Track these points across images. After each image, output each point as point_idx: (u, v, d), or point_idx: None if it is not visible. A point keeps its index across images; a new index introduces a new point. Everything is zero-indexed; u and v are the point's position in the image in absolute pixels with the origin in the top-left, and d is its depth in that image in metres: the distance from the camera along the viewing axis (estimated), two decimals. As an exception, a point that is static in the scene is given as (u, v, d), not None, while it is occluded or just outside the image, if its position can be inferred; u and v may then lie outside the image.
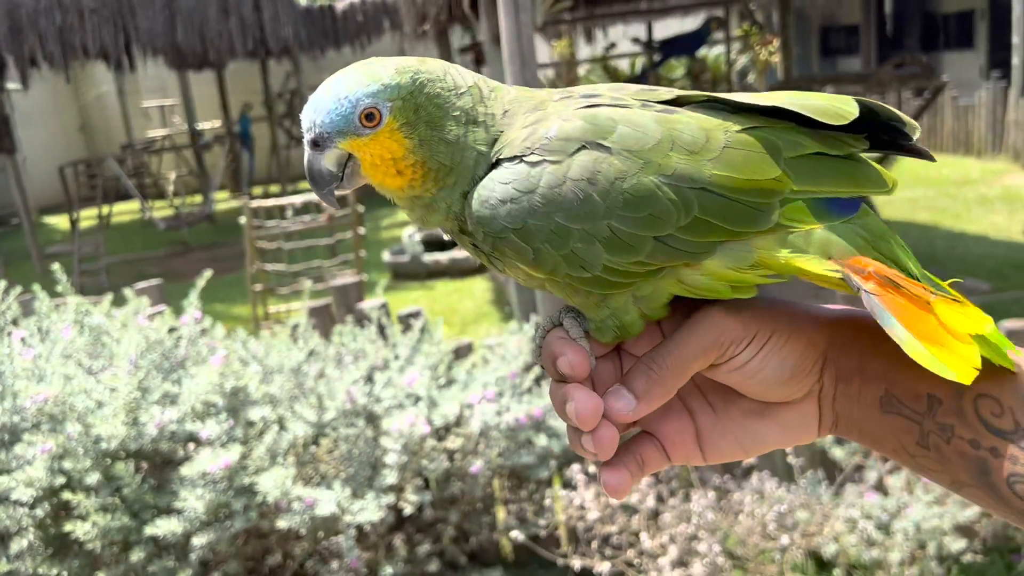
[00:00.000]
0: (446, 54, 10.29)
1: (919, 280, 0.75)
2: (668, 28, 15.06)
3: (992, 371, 0.70)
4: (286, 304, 8.19)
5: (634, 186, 0.74)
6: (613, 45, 14.76)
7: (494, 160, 0.78)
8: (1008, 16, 14.75)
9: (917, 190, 12.54)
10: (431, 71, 0.79)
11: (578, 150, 0.75)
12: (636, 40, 13.13)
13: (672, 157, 0.74)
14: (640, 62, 14.73)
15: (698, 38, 11.79)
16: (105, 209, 14.05)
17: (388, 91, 0.77)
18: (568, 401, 0.76)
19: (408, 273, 10.50)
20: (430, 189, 0.80)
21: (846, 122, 0.76)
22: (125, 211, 17.38)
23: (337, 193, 0.82)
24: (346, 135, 0.78)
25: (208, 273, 3.60)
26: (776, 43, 12.83)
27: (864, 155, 0.81)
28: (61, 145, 19.53)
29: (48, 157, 17.79)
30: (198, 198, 16.76)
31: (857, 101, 0.78)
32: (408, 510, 3.29)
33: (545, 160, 0.75)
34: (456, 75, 0.81)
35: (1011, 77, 14.45)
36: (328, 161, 0.80)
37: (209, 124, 18.92)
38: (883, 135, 0.81)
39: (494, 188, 0.77)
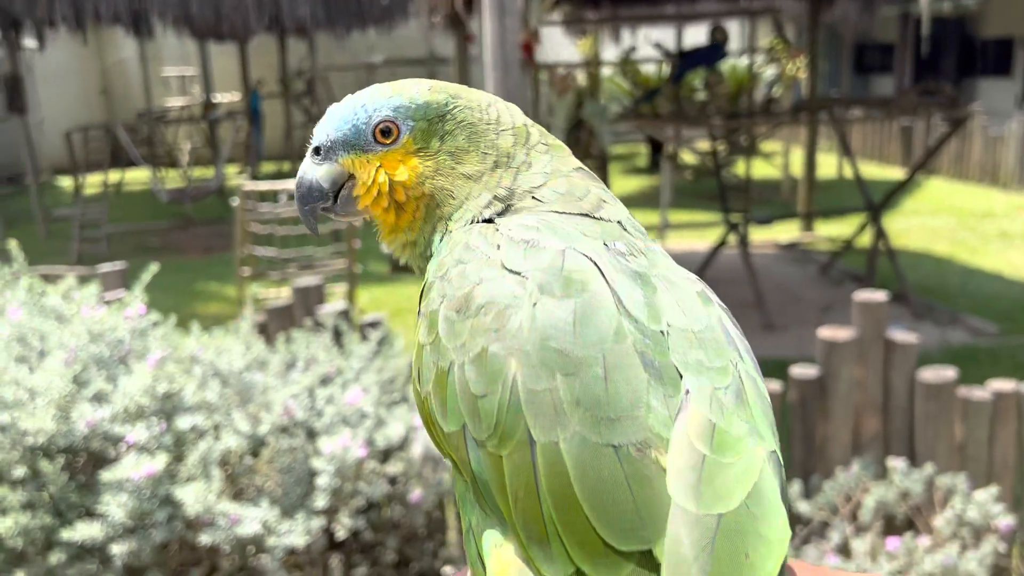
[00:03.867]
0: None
1: None
2: (699, 34, 14.84)
3: None
4: (276, 289, 8.05)
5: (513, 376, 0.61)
6: (633, 49, 14.51)
7: (500, 212, 0.66)
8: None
9: (938, 219, 12.25)
10: (472, 99, 0.67)
11: (524, 281, 0.60)
12: (657, 46, 12.93)
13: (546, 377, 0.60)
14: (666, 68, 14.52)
15: (716, 50, 11.59)
16: (115, 176, 13.96)
17: (414, 109, 0.65)
18: None
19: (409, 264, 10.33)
20: (416, 226, 0.69)
21: None
22: (138, 180, 17.35)
23: (332, 216, 0.73)
24: (354, 148, 0.67)
25: (154, 267, 3.43)
26: (803, 58, 12.55)
27: None
28: (81, 108, 19.49)
29: (67, 119, 17.71)
30: (210, 171, 16.67)
31: None
32: (341, 534, 3.12)
33: (500, 262, 0.61)
34: (503, 112, 0.68)
35: (1044, 110, 14.12)
36: (322, 174, 0.69)
37: (229, 97, 18.83)
38: None
39: (456, 256, 0.65)
